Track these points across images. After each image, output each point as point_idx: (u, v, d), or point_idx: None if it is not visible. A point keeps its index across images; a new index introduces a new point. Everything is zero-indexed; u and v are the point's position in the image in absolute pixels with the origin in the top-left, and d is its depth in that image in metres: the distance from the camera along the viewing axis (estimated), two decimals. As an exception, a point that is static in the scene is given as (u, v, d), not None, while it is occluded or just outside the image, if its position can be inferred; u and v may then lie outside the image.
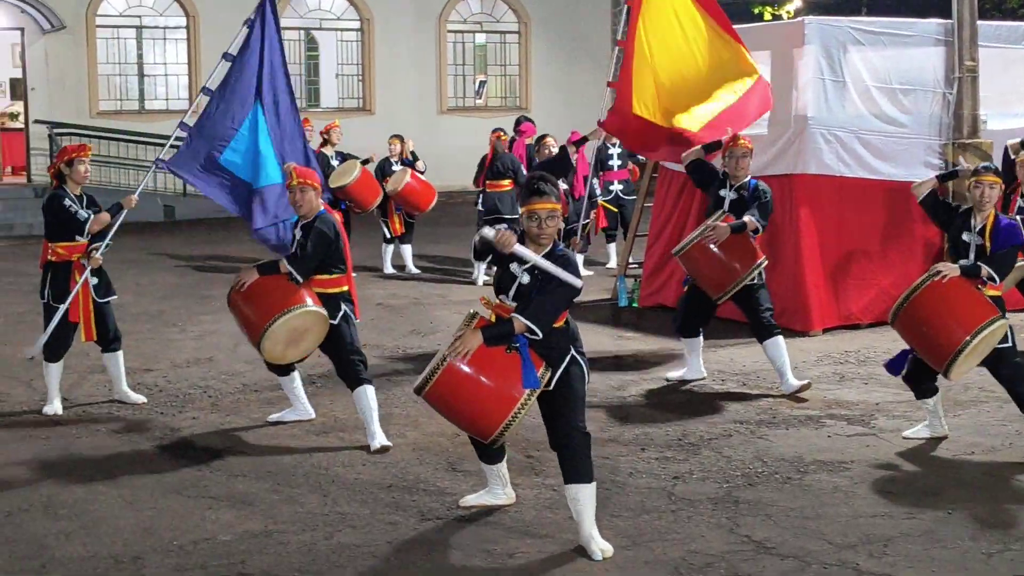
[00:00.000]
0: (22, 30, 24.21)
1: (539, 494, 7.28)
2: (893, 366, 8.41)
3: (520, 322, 6.28)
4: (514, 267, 6.43)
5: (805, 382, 9.65)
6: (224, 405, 9.50)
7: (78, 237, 9.17)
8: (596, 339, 11.52)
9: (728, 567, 6.16)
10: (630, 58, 10.78)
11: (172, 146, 9.97)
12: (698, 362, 10.12)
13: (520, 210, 6.44)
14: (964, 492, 7.32)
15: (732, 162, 9.75)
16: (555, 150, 12.85)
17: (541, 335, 6.30)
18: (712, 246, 9.50)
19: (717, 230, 9.48)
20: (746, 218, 9.52)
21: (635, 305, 13.54)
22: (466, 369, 6.30)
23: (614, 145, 16.35)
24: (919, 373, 8.24)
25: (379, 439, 8.26)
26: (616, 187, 16.17)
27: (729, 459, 7.96)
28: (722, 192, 9.82)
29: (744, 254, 9.59)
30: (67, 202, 9.14)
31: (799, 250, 12.01)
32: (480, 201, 15.54)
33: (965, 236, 8.07)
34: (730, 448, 8.21)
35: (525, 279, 6.39)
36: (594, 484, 6.45)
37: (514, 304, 6.40)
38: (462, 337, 6.31)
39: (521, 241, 6.39)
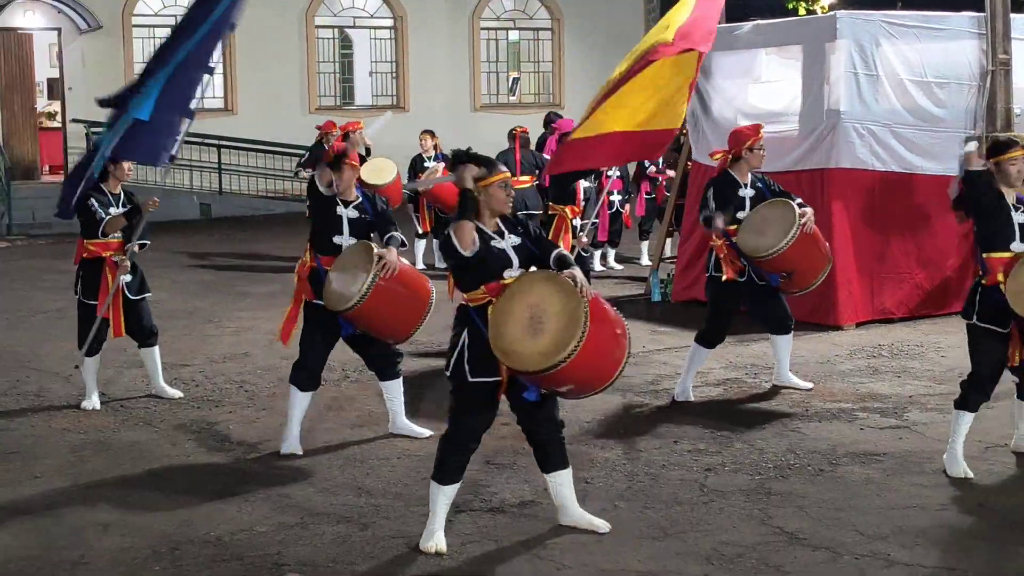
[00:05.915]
0: (59, 30, 24.42)
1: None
2: None
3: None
4: (495, 243, 6.27)
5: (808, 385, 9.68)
6: (260, 399, 9.59)
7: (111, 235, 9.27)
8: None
9: (759, 558, 6.19)
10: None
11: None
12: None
13: (485, 183, 6.25)
14: (997, 484, 7.31)
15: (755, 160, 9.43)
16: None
17: None
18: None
19: (809, 217, 9.22)
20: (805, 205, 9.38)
21: (669, 300, 13.59)
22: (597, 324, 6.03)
23: None
24: None
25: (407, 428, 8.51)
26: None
27: (761, 451, 7.98)
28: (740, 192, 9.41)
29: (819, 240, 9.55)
30: (91, 200, 9.22)
31: (832, 245, 11.91)
32: None
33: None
34: (762, 440, 8.23)
35: (516, 241, 6.33)
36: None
37: (532, 269, 6.29)
38: (588, 289, 6.02)
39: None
